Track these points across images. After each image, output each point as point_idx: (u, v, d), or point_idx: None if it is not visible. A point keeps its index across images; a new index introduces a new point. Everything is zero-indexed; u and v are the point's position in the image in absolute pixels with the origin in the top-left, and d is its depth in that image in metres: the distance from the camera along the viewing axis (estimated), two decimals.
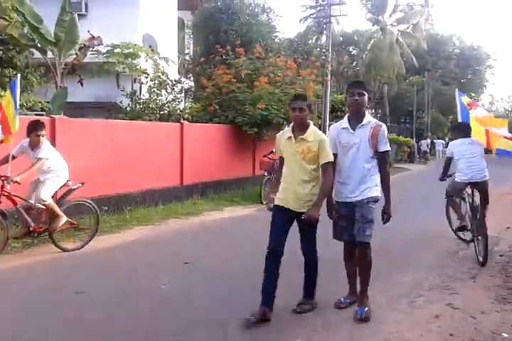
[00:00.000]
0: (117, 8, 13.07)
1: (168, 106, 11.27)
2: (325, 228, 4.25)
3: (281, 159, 4.16)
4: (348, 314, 4.10)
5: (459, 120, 6.92)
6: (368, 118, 4.10)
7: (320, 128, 15.43)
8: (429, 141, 30.97)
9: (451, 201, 6.74)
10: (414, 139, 29.86)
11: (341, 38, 39.30)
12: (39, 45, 10.46)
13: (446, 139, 45.71)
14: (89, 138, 7.91)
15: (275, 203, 4.09)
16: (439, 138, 36.11)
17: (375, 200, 4.04)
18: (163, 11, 14.93)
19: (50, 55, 10.59)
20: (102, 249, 6.28)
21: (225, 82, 11.27)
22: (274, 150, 8.06)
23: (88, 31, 10.84)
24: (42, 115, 8.81)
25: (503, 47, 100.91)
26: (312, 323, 3.87)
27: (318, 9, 31.21)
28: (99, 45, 11.14)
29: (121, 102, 11.67)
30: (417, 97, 33.91)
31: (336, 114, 18.71)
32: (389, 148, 4.16)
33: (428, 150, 29.80)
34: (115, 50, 11.39)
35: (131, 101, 11.27)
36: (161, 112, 11.08)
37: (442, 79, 39.82)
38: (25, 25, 10.77)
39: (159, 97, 11.24)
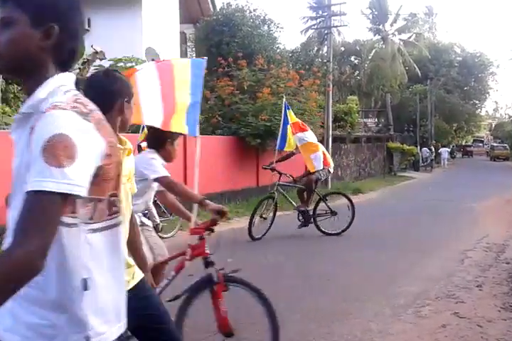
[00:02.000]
0: (120, 23, 13.23)
1: None
2: None
3: None
4: (354, 326, 4.07)
5: None
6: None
7: (323, 138, 15.47)
8: (432, 148, 30.89)
9: None
10: (419, 147, 29.81)
11: (343, 48, 39.46)
12: None
13: (451, 146, 45.83)
14: None
15: None
16: (443, 146, 35.99)
17: None
18: (165, 25, 15.10)
19: None
20: None
21: (227, 94, 11.34)
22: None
23: (91, 46, 10.96)
24: None
25: (506, 53, 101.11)
26: (314, 335, 3.85)
27: (318, 20, 31.50)
28: (102, 59, 11.25)
29: None
30: (420, 105, 33.92)
31: (338, 124, 18.75)
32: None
33: (433, 158, 29.69)
34: (118, 64, 11.49)
35: None
36: None
37: (445, 87, 39.87)
38: None
39: None
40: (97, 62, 11.19)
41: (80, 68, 10.92)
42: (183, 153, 9.90)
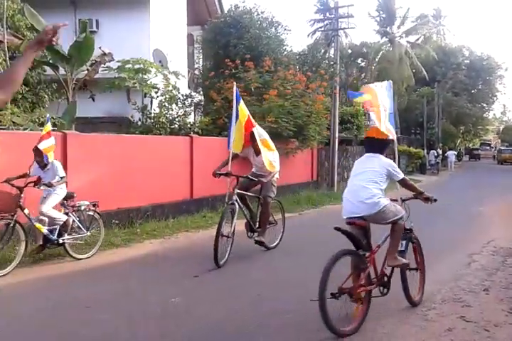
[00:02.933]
0: (128, 25, 13.30)
1: (179, 121, 11.36)
2: None
3: None
4: (361, 328, 4.06)
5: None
6: None
7: (329, 141, 15.45)
8: (440, 151, 30.78)
9: None
10: (425, 150, 29.72)
11: (350, 51, 39.46)
12: (51, 62, 10.66)
13: (458, 149, 45.62)
14: (100, 152, 7.99)
15: None
16: (450, 149, 35.83)
17: None
18: (173, 27, 15.15)
19: (62, 71, 10.78)
20: (112, 262, 6.31)
21: None
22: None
23: (99, 47, 11.03)
24: (54, 130, 8.93)
25: None
26: (320, 337, 3.84)
27: (325, 23, 31.49)
28: (110, 61, 11.32)
29: (132, 117, 11.80)
30: (427, 108, 33.82)
31: (345, 126, 18.72)
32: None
33: (439, 161, 29.59)
34: (126, 66, 11.55)
35: (142, 115, 11.39)
36: (172, 126, 11.18)
37: (452, 90, 39.73)
38: None
39: (170, 112, 11.35)
40: (105, 63, 11.25)
41: (88, 69, 10.98)
42: (189, 155, 9.93)
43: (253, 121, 6.86)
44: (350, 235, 4.09)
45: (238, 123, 6.72)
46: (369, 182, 4.21)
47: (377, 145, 4.42)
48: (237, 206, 6.46)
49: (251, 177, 6.75)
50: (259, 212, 6.94)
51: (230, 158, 6.73)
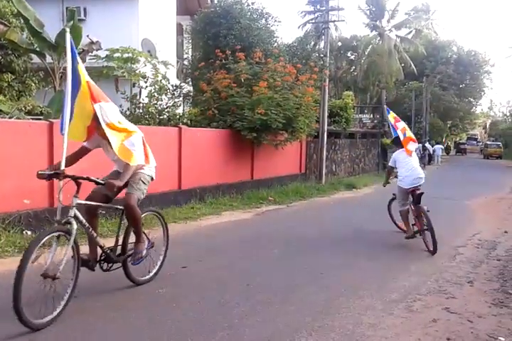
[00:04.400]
0: (116, 13, 13.13)
1: (168, 111, 11.28)
2: None
3: None
4: (346, 320, 4.10)
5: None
6: None
7: (318, 133, 15.47)
8: (428, 145, 30.98)
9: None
10: None
11: (340, 43, 39.47)
12: (38, 50, 10.50)
13: (447, 144, 45.94)
14: None
15: None
16: (437, 143, 36.01)
17: None
18: (162, 16, 15.00)
19: (49, 59, 10.63)
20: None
21: (224, 87, 11.29)
22: None
23: (87, 36, 10.88)
24: (40, 119, 8.82)
25: (502, 52, 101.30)
26: (306, 328, 3.87)
27: (316, 15, 31.42)
28: (98, 49, 11.17)
29: (120, 106, 11.67)
30: (415, 102, 33.99)
31: (334, 119, 18.74)
32: None
33: (424, 155, 29.86)
34: (114, 55, 11.41)
35: (131, 105, 11.28)
36: (161, 117, 11.09)
37: (441, 84, 39.95)
38: (24, 30, 10.81)
39: (159, 102, 11.26)
40: (93, 52, 11.11)
41: None
42: (178, 146, 9.89)
43: (95, 92, 4.25)
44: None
45: (80, 94, 4.20)
46: (418, 165, 7.41)
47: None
48: (74, 226, 3.98)
49: (97, 180, 4.33)
50: (123, 231, 4.79)
51: (65, 149, 4.28)
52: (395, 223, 8.14)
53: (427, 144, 31.08)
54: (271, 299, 4.52)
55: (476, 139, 62.27)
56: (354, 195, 14.11)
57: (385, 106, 8.49)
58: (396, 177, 7.58)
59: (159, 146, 9.46)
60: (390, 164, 7.79)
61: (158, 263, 5.12)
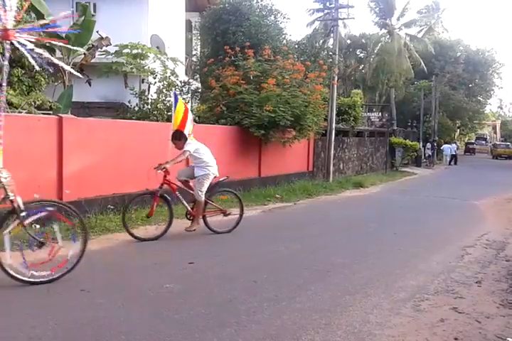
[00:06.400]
0: (126, 9, 13.15)
1: None
2: None
3: None
4: (353, 318, 4.09)
5: None
6: None
7: (325, 131, 15.43)
8: (435, 144, 30.77)
9: None
10: (421, 143, 29.74)
11: (349, 41, 39.24)
12: (48, 45, 10.51)
13: (457, 143, 45.46)
14: (96, 137, 7.93)
15: None
16: (446, 143, 35.60)
17: None
18: (171, 13, 15.00)
19: (58, 54, 10.65)
20: (107, 247, 6.30)
21: (232, 84, 11.28)
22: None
23: (97, 31, 10.90)
24: (50, 114, 8.85)
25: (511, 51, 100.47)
26: (313, 325, 3.86)
27: (325, 12, 31.28)
28: (107, 45, 11.19)
29: (129, 102, 11.70)
30: (424, 101, 33.76)
31: (342, 117, 18.67)
32: None
33: (430, 154, 29.67)
34: (123, 51, 11.44)
35: (140, 100, 11.30)
36: (169, 113, 11.09)
37: (450, 83, 39.66)
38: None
39: (167, 98, 11.27)
40: (103, 48, 11.14)
41: (85, 54, 10.87)
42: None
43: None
44: None
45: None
46: None
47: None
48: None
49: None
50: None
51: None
52: None
53: (434, 143, 30.88)
54: (278, 296, 4.51)
55: (485, 139, 61.78)
56: (361, 193, 14.06)
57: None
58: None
59: (167, 142, 9.46)
60: None
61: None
